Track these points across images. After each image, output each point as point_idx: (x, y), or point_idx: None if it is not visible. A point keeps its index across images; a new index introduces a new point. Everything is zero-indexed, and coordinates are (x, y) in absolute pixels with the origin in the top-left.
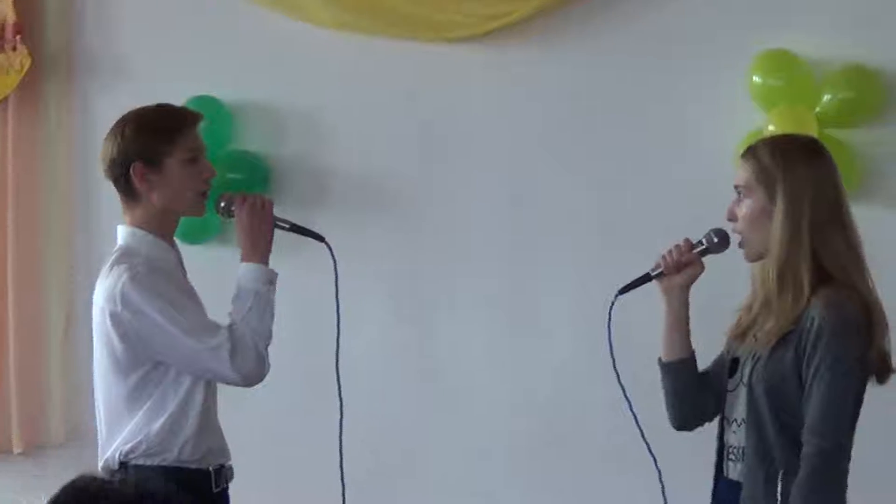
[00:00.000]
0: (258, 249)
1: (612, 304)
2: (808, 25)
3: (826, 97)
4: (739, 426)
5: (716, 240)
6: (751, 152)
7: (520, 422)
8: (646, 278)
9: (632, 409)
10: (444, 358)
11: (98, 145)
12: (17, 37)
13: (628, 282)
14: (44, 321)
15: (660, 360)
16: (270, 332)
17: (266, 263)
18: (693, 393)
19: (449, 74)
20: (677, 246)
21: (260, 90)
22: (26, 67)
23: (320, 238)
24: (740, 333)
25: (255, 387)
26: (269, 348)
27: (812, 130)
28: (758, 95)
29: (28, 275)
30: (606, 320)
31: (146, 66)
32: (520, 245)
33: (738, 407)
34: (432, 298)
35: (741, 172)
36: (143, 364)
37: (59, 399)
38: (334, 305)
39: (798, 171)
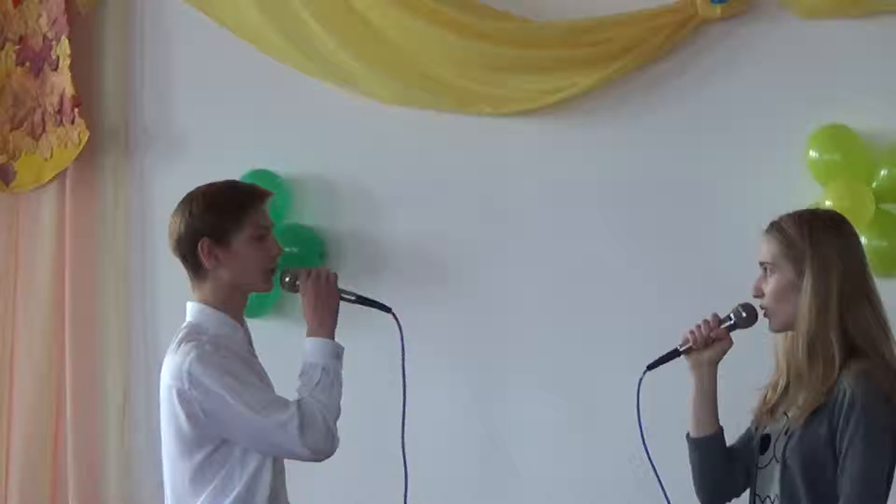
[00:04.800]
0: (325, 324)
1: (641, 379)
2: (864, 101)
3: (883, 172)
4: (773, 502)
5: (744, 314)
6: (776, 228)
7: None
8: (674, 354)
9: (662, 488)
10: (510, 430)
11: (156, 219)
12: (76, 110)
13: (656, 357)
14: (101, 392)
15: (688, 435)
16: (339, 406)
17: (332, 337)
18: (722, 468)
19: (504, 146)
20: (705, 321)
21: (316, 163)
22: (84, 141)
23: (387, 309)
24: (768, 410)
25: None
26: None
27: (868, 205)
28: (815, 170)
29: (86, 346)
30: (636, 396)
31: (203, 140)
32: (578, 316)
33: (772, 484)
34: (493, 369)
35: (767, 248)
36: (208, 443)
37: (115, 470)
38: (397, 376)
39: (826, 245)
